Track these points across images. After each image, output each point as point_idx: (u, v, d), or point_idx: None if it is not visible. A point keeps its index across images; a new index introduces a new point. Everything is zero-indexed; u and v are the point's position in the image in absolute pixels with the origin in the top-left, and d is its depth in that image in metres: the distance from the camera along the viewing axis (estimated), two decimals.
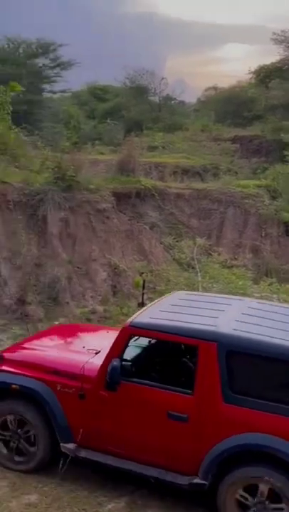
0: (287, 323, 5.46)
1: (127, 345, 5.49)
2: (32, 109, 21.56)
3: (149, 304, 6.17)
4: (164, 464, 5.26)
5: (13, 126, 12.65)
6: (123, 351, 5.44)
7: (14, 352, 6.27)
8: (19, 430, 5.72)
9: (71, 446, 5.55)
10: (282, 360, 4.91)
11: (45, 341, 6.53)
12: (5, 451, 5.81)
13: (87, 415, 5.52)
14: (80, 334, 7.03)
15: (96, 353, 5.79)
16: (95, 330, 7.40)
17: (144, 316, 5.64)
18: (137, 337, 5.71)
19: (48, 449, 5.67)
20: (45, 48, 25.73)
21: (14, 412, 5.73)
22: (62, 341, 6.67)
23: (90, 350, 5.91)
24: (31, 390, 5.65)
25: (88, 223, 11.50)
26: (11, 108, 12.55)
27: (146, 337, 5.73)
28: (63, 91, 28.81)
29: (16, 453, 5.76)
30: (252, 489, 4.95)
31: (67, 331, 7.26)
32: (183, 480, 5.16)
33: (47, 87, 27.27)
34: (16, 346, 6.60)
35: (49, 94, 27.59)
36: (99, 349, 5.79)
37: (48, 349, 6.17)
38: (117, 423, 5.41)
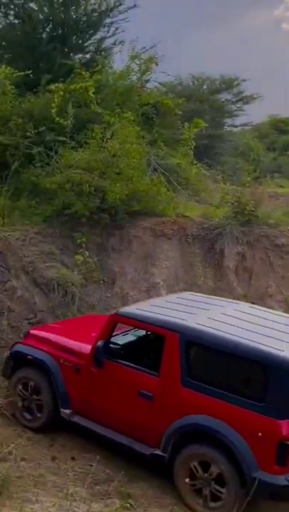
0: (262, 326, 6.04)
1: (113, 330, 6.49)
2: (213, 144, 22.00)
3: (150, 299, 7.31)
4: (135, 435, 6.17)
5: (195, 161, 13.02)
6: (109, 335, 6.48)
7: (40, 330, 7.51)
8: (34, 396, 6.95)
9: (67, 411, 6.73)
10: (231, 354, 5.62)
11: (69, 325, 7.85)
12: (29, 416, 7.02)
13: (81, 387, 6.62)
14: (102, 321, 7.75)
15: None
16: None
17: (133, 307, 6.81)
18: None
19: (51, 414, 6.83)
20: (228, 84, 26.25)
21: (28, 378, 7.00)
22: (81, 325, 7.85)
23: None
24: (41, 361, 6.88)
25: (265, 258, 11.34)
26: (194, 143, 12.93)
27: (127, 325, 6.62)
28: (244, 124, 29.02)
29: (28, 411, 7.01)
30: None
31: (93, 319, 8.25)
32: (147, 450, 6.05)
33: (228, 121, 27.72)
34: (46, 326, 7.89)
35: (230, 128, 28.00)
36: None
37: (66, 330, 7.35)
38: (101, 396, 6.44)
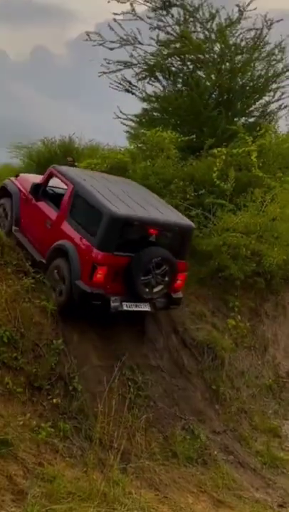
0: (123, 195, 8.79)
1: (49, 178, 9.43)
2: None
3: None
4: (40, 250, 9.03)
5: None
6: (46, 181, 9.48)
7: (23, 176, 10.52)
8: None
9: (16, 228, 9.60)
10: (91, 204, 8.43)
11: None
12: None
13: (24, 213, 9.65)
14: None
15: None
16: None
17: (65, 168, 9.80)
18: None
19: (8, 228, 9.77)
20: None
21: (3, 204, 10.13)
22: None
23: None
24: (7, 188, 10.07)
25: None
26: None
27: (56, 177, 9.31)
28: None
29: None
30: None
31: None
32: (41, 259, 8.88)
33: None
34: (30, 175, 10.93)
35: None
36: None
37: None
38: (31, 220, 9.44)
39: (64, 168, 9.57)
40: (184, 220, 8.97)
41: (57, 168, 9.42)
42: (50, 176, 9.43)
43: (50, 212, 9.07)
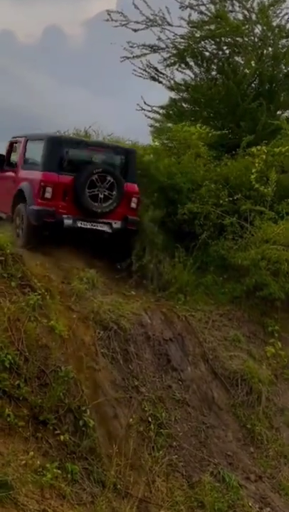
0: None
1: (11, 148, 11.67)
2: None
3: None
4: (6, 210, 10.96)
5: None
6: (9, 151, 11.73)
7: None
8: None
9: None
10: (38, 139, 10.82)
11: None
12: None
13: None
14: None
15: None
16: None
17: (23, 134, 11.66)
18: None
19: None
20: None
21: None
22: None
23: None
24: None
25: None
26: None
27: (16, 144, 11.52)
28: None
29: None
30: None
31: None
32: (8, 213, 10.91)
33: None
34: None
35: None
36: None
37: None
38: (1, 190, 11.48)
39: (20, 135, 11.84)
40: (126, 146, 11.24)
41: (15, 137, 11.74)
42: (12, 145, 11.71)
43: (12, 175, 11.16)
